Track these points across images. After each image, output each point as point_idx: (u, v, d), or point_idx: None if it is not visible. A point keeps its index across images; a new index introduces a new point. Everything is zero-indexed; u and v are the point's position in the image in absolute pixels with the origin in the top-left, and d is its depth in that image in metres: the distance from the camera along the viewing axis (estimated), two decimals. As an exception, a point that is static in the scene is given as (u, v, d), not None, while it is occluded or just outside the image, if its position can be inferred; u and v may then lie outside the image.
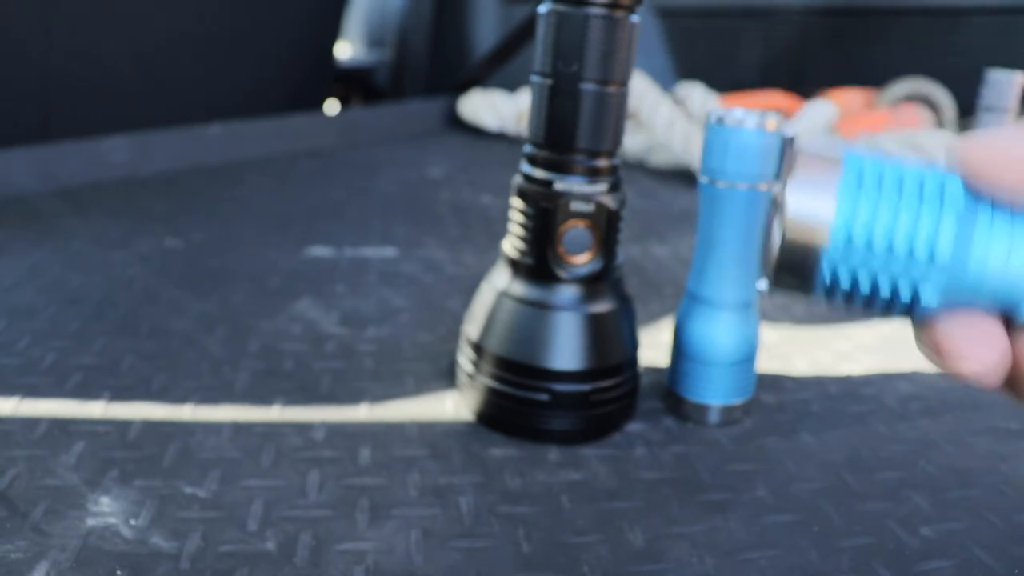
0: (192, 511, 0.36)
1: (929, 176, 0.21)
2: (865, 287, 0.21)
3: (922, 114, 1.15)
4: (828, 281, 0.22)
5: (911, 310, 0.22)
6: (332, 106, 1.51)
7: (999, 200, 0.21)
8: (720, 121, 0.43)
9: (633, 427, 0.46)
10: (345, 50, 1.62)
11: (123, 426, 0.42)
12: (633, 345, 0.45)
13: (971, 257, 0.21)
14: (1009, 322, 0.22)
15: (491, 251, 0.73)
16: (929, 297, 0.21)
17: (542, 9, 0.41)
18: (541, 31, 0.42)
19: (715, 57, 1.44)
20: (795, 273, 0.22)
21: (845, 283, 0.22)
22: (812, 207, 0.21)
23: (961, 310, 0.22)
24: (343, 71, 1.50)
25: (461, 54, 1.37)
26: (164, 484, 0.38)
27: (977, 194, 0.21)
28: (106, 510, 0.36)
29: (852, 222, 0.21)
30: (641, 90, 1.06)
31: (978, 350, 0.21)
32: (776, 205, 0.22)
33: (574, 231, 0.42)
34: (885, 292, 0.21)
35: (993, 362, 0.21)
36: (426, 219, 0.82)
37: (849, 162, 0.21)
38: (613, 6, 0.40)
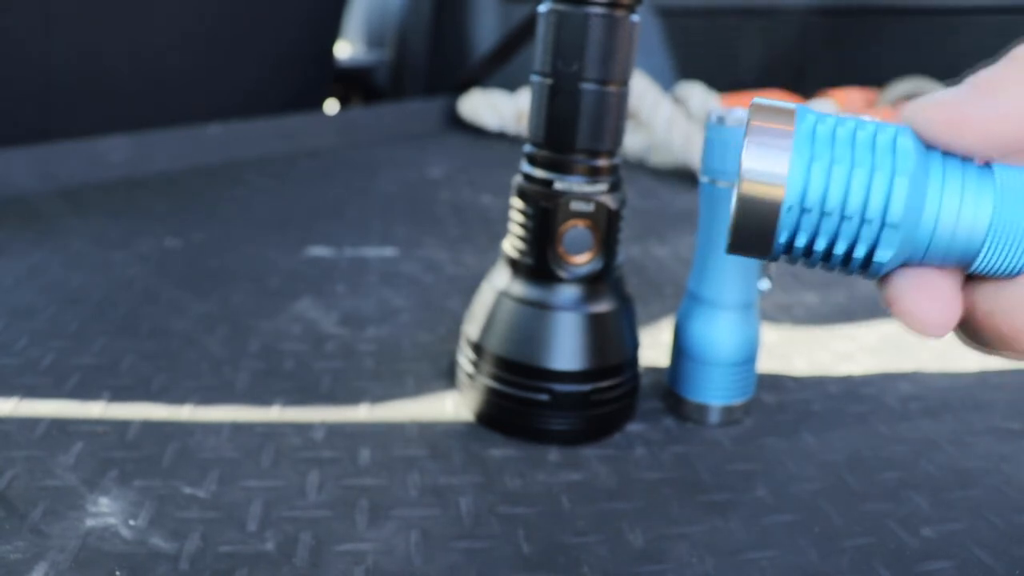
0: (191, 511, 0.36)
1: (882, 131, 0.21)
2: (821, 244, 0.21)
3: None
4: (784, 239, 0.22)
5: (866, 267, 0.22)
6: (332, 106, 1.51)
7: (950, 154, 0.22)
8: (720, 121, 0.42)
9: (633, 427, 0.46)
10: (345, 50, 1.61)
11: (122, 426, 0.42)
12: (633, 345, 0.45)
13: (924, 213, 0.21)
14: (964, 274, 0.22)
15: (491, 251, 0.73)
16: (883, 254, 0.21)
17: (542, 8, 0.41)
18: (541, 30, 0.41)
19: (715, 57, 1.44)
20: (752, 232, 0.22)
21: (801, 241, 0.22)
22: (767, 165, 0.21)
23: (913, 266, 0.22)
24: (343, 71, 1.49)
25: (461, 54, 1.37)
26: (163, 484, 0.38)
27: (928, 148, 0.22)
28: (105, 510, 0.35)
29: (806, 180, 0.21)
30: (641, 90, 1.06)
31: (925, 306, 0.22)
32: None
33: (574, 231, 0.42)
34: (840, 249, 0.21)
35: (939, 318, 0.22)
36: (426, 219, 0.82)
37: (803, 119, 0.21)
38: (613, 5, 0.40)
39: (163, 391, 0.46)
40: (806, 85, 1.33)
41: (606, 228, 0.43)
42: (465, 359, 0.46)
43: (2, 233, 0.70)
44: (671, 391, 0.47)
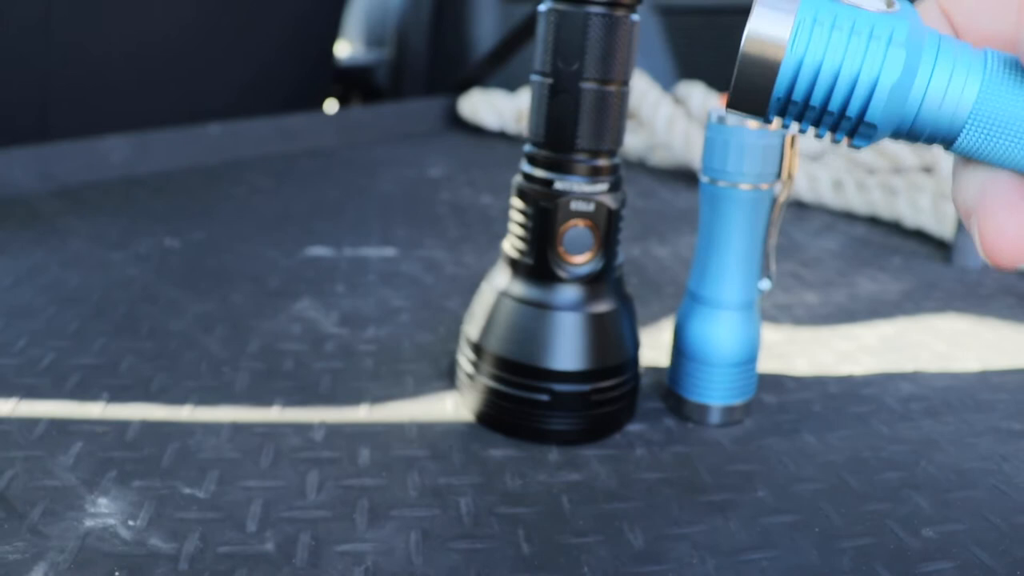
0: (191, 512, 0.36)
1: (883, 17, 0.22)
2: (817, 99, 0.22)
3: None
4: (781, 98, 0.23)
5: (855, 131, 0.23)
6: (332, 105, 1.51)
7: (945, 37, 0.22)
8: (721, 120, 0.42)
9: (633, 427, 0.45)
10: (344, 49, 1.61)
11: (122, 426, 0.42)
12: (634, 345, 0.45)
13: (915, 81, 0.22)
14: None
15: (491, 251, 0.73)
16: (874, 113, 0.22)
17: (542, 8, 0.41)
18: (541, 30, 0.41)
19: (715, 56, 1.44)
20: (751, 89, 0.23)
21: (798, 96, 0.22)
22: (770, 25, 0.22)
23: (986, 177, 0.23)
24: (342, 70, 1.49)
25: (461, 53, 1.37)
26: (163, 485, 0.38)
27: (923, 27, 0.22)
28: (104, 511, 0.35)
29: (806, 39, 0.22)
30: (641, 89, 1.06)
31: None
32: None
33: (574, 231, 0.42)
34: (835, 106, 0.22)
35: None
36: (426, 219, 0.82)
37: None
38: (613, 5, 0.40)
39: (162, 391, 0.46)
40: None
41: (606, 228, 0.42)
42: (465, 359, 0.46)
43: (1, 233, 0.70)
44: (671, 391, 0.47)
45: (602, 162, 0.42)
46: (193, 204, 0.82)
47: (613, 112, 0.42)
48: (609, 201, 0.42)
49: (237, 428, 0.43)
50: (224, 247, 0.70)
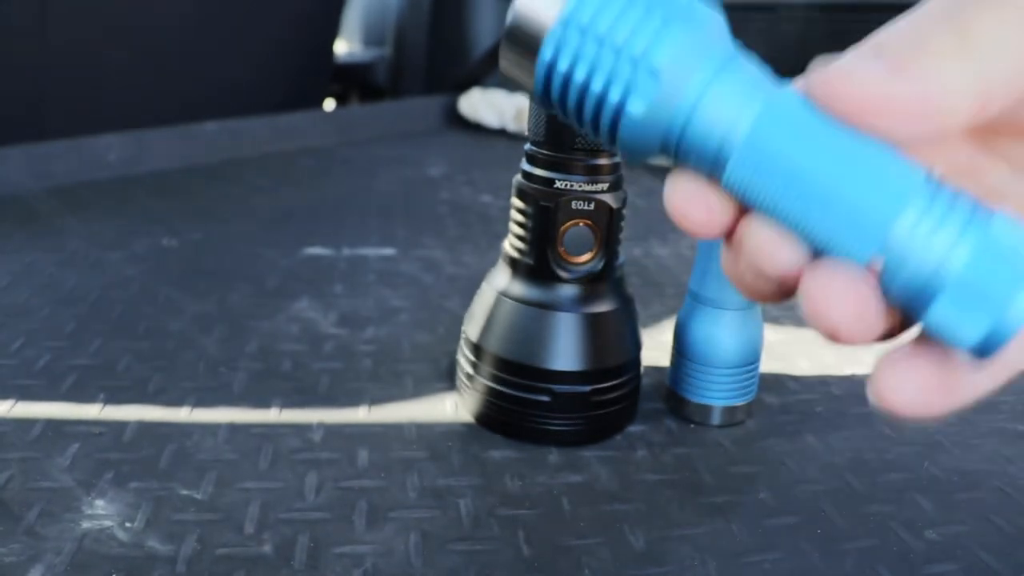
0: (188, 513, 0.36)
1: None
2: (580, 75, 0.20)
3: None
4: (549, 57, 0.21)
5: (615, 124, 0.21)
6: (330, 104, 1.51)
7: (748, 58, 0.20)
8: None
9: (634, 428, 0.45)
10: (344, 47, 1.61)
11: (119, 427, 0.42)
12: (635, 346, 0.45)
13: (688, 84, 0.20)
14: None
15: (491, 251, 0.72)
16: (636, 104, 0.20)
17: (543, 6, 0.41)
18: (542, 28, 0.41)
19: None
20: (518, 55, 0.21)
21: (563, 65, 0.20)
22: (537, 8, 0.20)
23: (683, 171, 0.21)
24: (341, 68, 1.49)
25: (460, 52, 1.37)
26: (160, 486, 0.37)
27: (726, 36, 0.20)
28: (101, 512, 0.35)
29: (579, 10, 0.20)
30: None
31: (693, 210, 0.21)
32: None
33: (575, 230, 0.42)
34: (597, 86, 0.20)
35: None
36: (426, 219, 0.82)
37: None
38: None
39: (160, 392, 0.46)
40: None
41: (607, 228, 0.42)
42: (464, 360, 0.45)
43: (-2, 232, 0.69)
44: (672, 392, 0.47)
45: (602, 161, 0.42)
46: (191, 203, 0.82)
47: (614, 111, 0.41)
48: (610, 200, 0.42)
49: (235, 429, 0.42)
50: (222, 247, 0.69)
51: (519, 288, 0.43)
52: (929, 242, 0.18)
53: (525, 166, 0.43)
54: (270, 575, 0.32)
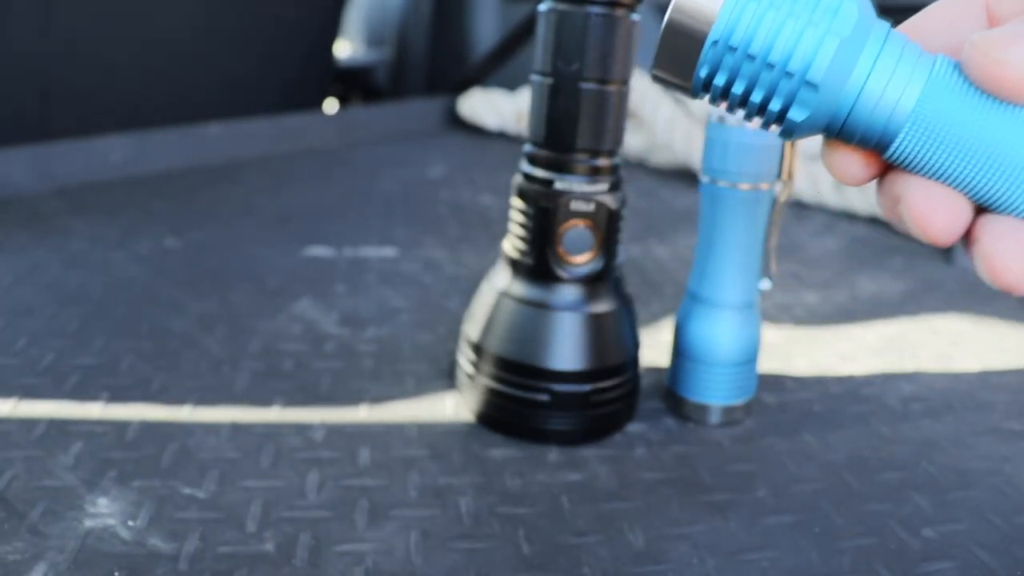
0: (190, 512, 0.36)
1: None
2: (739, 88, 0.21)
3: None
4: (705, 74, 0.21)
5: (780, 120, 0.22)
6: (331, 105, 1.51)
7: (895, 32, 0.21)
8: (721, 120, 0.42)
9: (633, 427, 0.45)
10: (345, 49, 1.61)
11: (121, 426, 0.42)
12: (634, 345, 0.45)
13: (849, 81, 0.20)
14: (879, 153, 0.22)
15: (491, 251, 0.73)
16: (798, 113, 0.21)
17: (542, 8, 0.41)
18: (541, 30, 0.41)
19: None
20: (674, 60, 0.21)
21: (720, 80, 0.21)
22: None
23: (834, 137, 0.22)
24: (343, 70, 1.49)
25: (461, 53, 1.37)
26: (162, 485, 0.38)
27: (872, 20, 0.21)
28: (104, 511, 0.35)
29: (737, 17, 0.20)
30: (642, 89, 1.06)
31: (851, 170, 0.22)
32: None
33: (574, 231, 0.42)
34: (757, 98, 0.21)
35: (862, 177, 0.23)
36: (426, 219, 0.82)
37: None
38: (614, 4, 0.40)
39: (162, 391, 0.46)
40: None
41: (606, 228, 0.42)
42: (465, 359, 0.46)
43: (1, 232, 0.70)
44: (671, 391, 0.47)
45: (602, 162, 0.42)
46: (193, 204, 0.82)
47: (613, 112, 0.42)
48: (609, 201, 0.42)
49: (237, 428, 0.43)
50: (224, 247, 0.70)
51: (519, 288, 0.43)
52: None
53: (525, 167, 0.43)
54: (272, 573, 0.33)
